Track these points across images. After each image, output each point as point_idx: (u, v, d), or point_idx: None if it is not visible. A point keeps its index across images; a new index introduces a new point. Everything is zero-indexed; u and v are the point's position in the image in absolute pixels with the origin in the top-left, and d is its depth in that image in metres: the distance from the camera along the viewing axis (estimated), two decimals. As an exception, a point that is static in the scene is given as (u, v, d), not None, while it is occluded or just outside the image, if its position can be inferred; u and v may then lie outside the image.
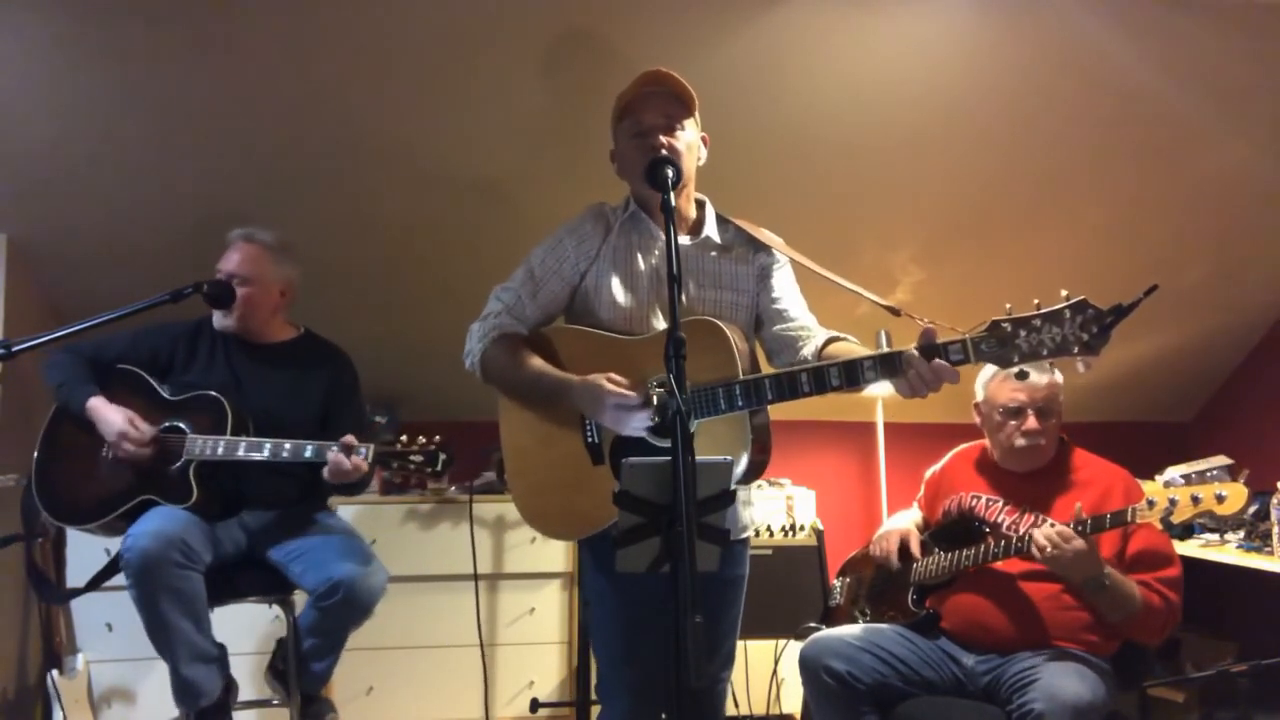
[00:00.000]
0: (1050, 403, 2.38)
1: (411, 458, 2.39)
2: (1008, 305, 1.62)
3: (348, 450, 2.37)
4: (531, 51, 2.76)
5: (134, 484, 2.48)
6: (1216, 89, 2.98)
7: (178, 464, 2.46)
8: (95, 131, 2.85)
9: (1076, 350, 1.56)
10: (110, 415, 2.46)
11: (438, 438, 2.41)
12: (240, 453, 2.44)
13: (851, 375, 1.70)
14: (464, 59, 2.75)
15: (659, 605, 1.83)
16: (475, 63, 2.76)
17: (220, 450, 2.45)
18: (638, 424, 1.78)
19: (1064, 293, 1.59)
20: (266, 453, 2.43)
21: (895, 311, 1.85)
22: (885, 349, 1.72)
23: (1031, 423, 2.37)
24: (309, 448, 2.42)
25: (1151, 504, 2.07)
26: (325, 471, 2.40)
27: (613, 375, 1.80)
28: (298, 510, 2.68)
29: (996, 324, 1.61)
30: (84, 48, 2.63)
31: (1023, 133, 3.10)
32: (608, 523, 1.82)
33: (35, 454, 2.55)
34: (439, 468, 2.41)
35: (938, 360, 1.63)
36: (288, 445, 2.43)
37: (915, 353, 1.64)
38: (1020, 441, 2.39)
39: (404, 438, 2.41)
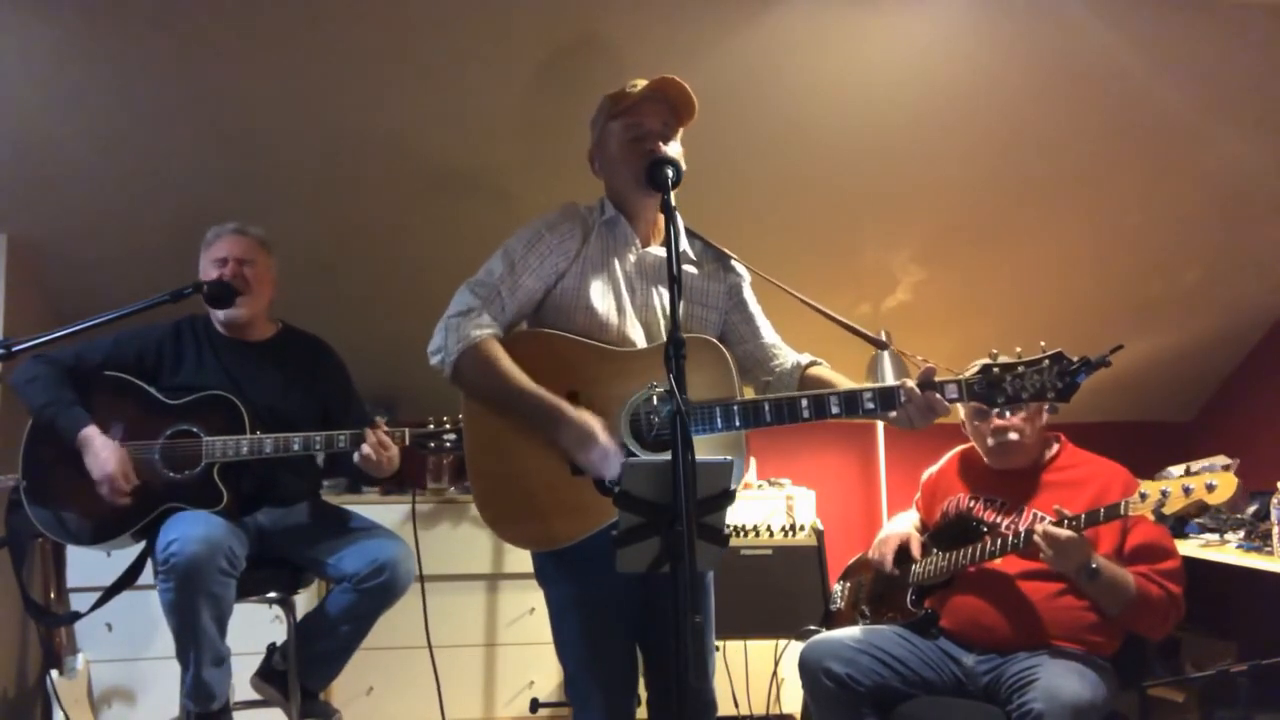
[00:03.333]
0: None
1: (446, 437, 2.42)
2: (993, 350, 1.79)
3: (386, 435, 2.41)
4: (527, 49, 2.76)
5: (153, 494, 2.43)
6: (1216, 89, 2.98)
7: (198, 468, 2.44)
8: (95, 132, 2.85)
9: (1051, 396, 1.77)
10: (104, 455, 2.36)
11: (461, 416, 2.43)
12: (268, 450, 2.43)
13: (851, 406, 1.79)
14: (465, 65, 2.75)
15: (620, 607, 1.87)
16: (476, 68, 2.76)
17: (245, 449, 2.43)
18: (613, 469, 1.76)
19: (1042, 344, 1.79)
20: (298, 447, 2.42)
21: (883, 345, 1.91)
22: (883, 355, 1.76)
23: (996, 420, 2.44)
24: (342, 437, 2.42)
25: (1144, 496, 2.09)
26: (360, 459, 2.41)
27: (609, 440, 1.77)
28: (317, 504, 2.70)
29: (988, 368, 1.78)
30: (84, 48, 2.63)
31: (1023, 133, 3.10)
32: (584, 535, 1.80)
33: (21, 475, 2.44)
34: None
35: (933, 395, 1.75)
36: (319, 437, 2.43)
37: (915, 387, 1.75)
38: (991, 442, 2.45)
39: (431, 418, 2.45)
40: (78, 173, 2.97)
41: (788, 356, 2.01)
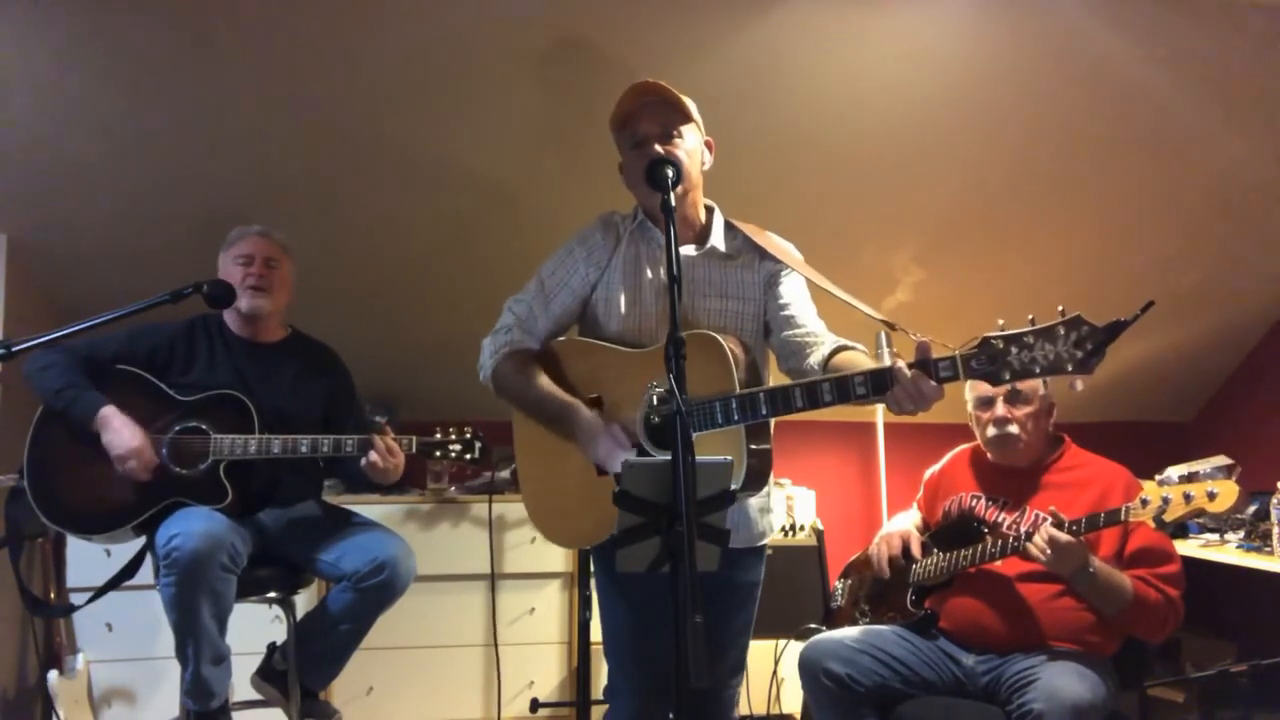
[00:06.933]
0: (1020, 390, 2.39)
1: (451, 446, 2.46)
2: (1000, 321, 1.59)
3: (393, 442, 2.42)
4: (531, 57, 2.76)
5: (158, 487, 2.44)
6: (1217, 89, 2.98)
7: (204, 465, 2.45)
8: (95, 132, 2.85)
9: (1070, 369, 1.52)
10: (126, 432, 2.39)
11: (468, 428, 2.47)
12: (275, 450, 2.43)
13: (844, 392, 1.67)
14: (464, 64, 2.75)
15: (664, 607, 1.85)
16: (475, 67, 2.76)
17: (253, 449, 2.44)
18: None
19: (1060, 308, 1.55)
20: (305, 449, 2.43)
21: (891, 325, 1.85)
22: (884, 349, 1.71)
23: (999, 410, 2.41)
24: (349, 442, 2.43)
25: (1145, 502, 2.08)
26: (366, 465, 2.42)
27: (615, 428, 1.82)
28: (321, 504, 2.71)
29: (988, 340, 1.58)
30: (84, 49, 2.63)
31: (1023, 134, 3.10)
32: (609, 534, 1.81)
33: (25, 464, 2.45)
34: (477, 455, 2.47)
35: (921, 377, 1.60)
36: (326, 440, 2.43)
37: (904, 370, 1.61)
38: (991, 431, 2.43)
39: (438, 427, 2.48)
40: (78, 174, 2.96)
41: (824, 346, 1.89)
